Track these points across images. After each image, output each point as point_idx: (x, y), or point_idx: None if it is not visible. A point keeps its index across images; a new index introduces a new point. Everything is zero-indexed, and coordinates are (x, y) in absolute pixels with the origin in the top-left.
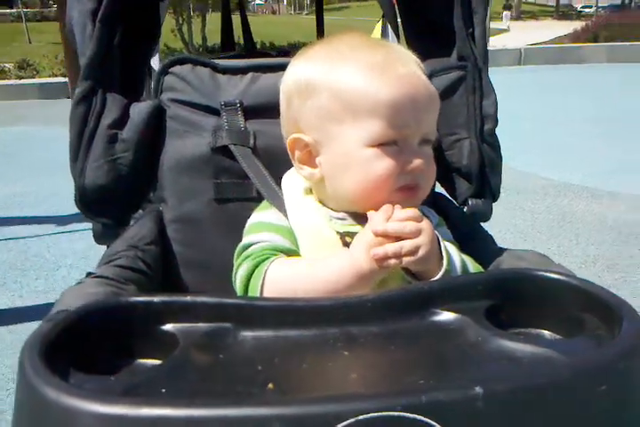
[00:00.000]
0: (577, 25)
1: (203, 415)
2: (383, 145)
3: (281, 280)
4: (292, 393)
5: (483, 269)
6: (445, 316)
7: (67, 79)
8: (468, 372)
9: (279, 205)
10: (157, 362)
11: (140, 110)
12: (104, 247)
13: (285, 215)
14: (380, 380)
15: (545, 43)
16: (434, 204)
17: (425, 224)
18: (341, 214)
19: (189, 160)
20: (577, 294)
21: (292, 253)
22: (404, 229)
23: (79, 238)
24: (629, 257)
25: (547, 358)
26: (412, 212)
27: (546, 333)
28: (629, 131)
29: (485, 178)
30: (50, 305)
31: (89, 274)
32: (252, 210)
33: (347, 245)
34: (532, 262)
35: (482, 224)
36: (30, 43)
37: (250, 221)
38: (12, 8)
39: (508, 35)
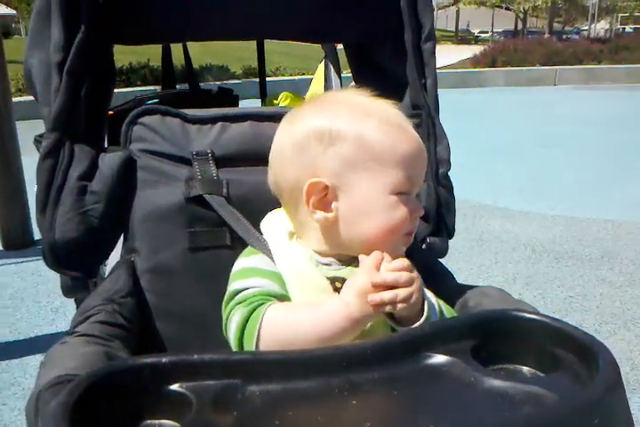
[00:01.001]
0: (475, 50)
1: None
2: (401, 194)
3: (279, 324)
4: None
5: (452, 309)
6: (437, 358)
7: None
8: (470, 413)
9: (264, 250)
10: (173, 424)
11: (109, 162)
12: (22, 285)
13: (272, 260)
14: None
15: (450, 67)
16: None
17: (415, 273)
18: (327, 260)
19: (162, 210)
20: (551, 332)
21: (283, 298)
22: (400, 279)
23: None
24: (545, 274)
25: (536, 396)
26: (405, 262)
27: (525, 369)
28: (531, 152)
29: (442, 218)
30: None
31: (70, 332)
32: (227, 258)
33: (337, 290)
34: (495, 298)
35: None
36: None
37: (235, 268)
38: None
39: None
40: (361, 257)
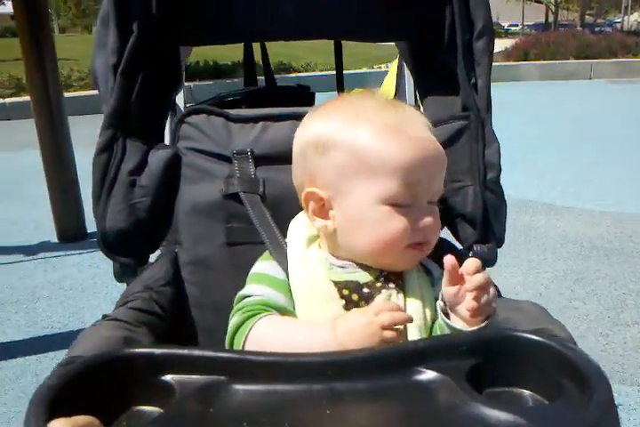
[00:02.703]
0: (506, 43)
1: None
2: (397, 205)
3: (267, 337)
4: None
5: None
6: (428, 375)
7: (4, 100)
8: None
9: (280, 255)
10: (154, 411)
11: (157, 158)
12: (80, 278)
13: (284, 267)
14: None
15: None
16: (437, 249)
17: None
18: (343, 262)
19: (202, 206)
20: (556, 357)
21: (283, 310)
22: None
23: (52, 269)
24: (596, 271)
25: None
26: (405, 315)
27: (526, 393)
28: (571, 147)
29: (489, 224)
30: (35, 339)
31: (104, 316)
32: (261, 254)
33: (343, 297)
34: (527, 315)
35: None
36: None
37: (252, 270)
38: None
39: None
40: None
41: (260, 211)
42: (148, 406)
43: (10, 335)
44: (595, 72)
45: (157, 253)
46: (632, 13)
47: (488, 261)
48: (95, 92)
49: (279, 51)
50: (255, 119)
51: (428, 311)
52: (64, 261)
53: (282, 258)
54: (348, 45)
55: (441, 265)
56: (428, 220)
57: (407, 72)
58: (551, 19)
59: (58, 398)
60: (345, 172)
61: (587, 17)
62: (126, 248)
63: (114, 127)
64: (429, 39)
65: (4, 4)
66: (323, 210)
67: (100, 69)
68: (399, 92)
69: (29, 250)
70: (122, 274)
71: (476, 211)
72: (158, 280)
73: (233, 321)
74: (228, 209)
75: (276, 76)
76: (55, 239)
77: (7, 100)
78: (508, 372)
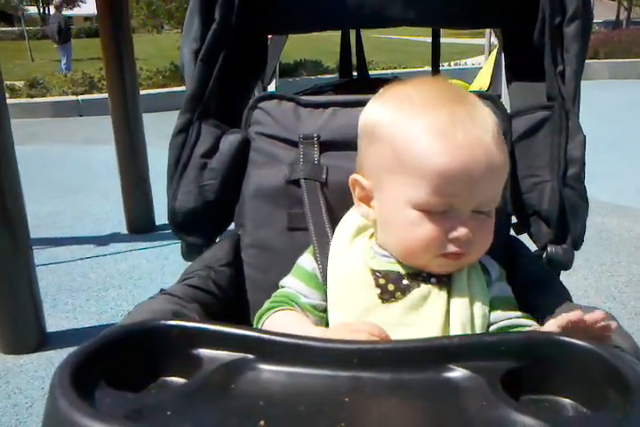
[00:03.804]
0: None
1: None
2: (428, 211)
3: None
4: None
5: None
6: (460, 374)
7: (77, 97)
8: None
9: (321, 244)
10: (181, 382)
11: (228, 142)
12: (149, 268)
13: (323, 257)
14: None
15: None
16: (506, 248)
17: None
18: (388, 252)
19: (266, 190)
20: (603, 366)
21: (303, 306)
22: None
23: (122, 259)
24: None
25: None
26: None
27: (567, 402)
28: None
29: (566, 224)
30: (105, 326)
31: (161, 290)
32: None
33: (379, 286)
34: None
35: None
36: (33, 61)
37: (297, 261)
38: (12, 26)
39: None
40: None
41: (316, 198)
42: (176, 377)
43: (81, 322)
44: None
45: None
46: None
47: (563, 263)
48: (163, 90)
49: (334, 49)
50: (325, 105)
51: (477, 311)
52: (133, 252)
53: (322, 248)
54: (397, 43)
55: (503, 264)
56: (463, 231)
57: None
58: (622, 16)
59: (85, 364)
60: (384, 166)
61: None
62: (194, 228)
63: (191, 111)
64: (521, 25)
65: (79, 6)
66: (367, 198)
67: (186, 56)
68: (494, 84)
69: (101, 241)
70: (188, 253)
71: (553, 208)
72: (219, 260)
73: (262, 308)
74: (291, 194)
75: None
76: (125, 231)
77: (80, 97)
78: (549, 378)
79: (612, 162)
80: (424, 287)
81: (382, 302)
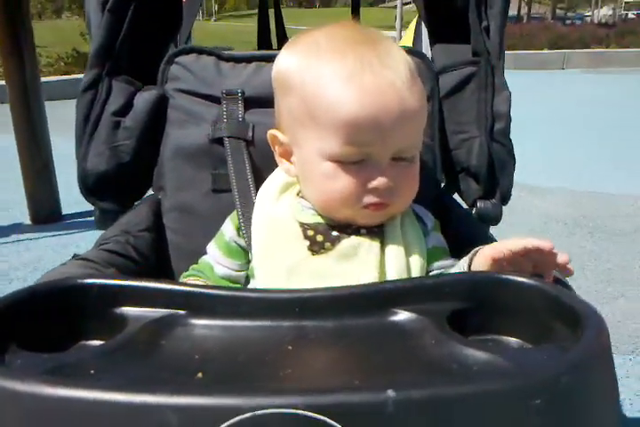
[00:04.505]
0: None
1: (98, 399)
2: (342, 162)
3: None
4: (218, 383)
5: None
6: (405, 316)
7: None
8: (404, 376)
9: (245, 205)
10: (100, 343)
11: (143, 99)
12: (56, 258)
13: (241, 225)
14: (311, 378)
15: None
16: (436, 203)
17: None
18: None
19: (188, 150)
20: (546, 299)
21: (213, 279)
22: None
23: (25, 250)
24: (580, 247)
25: (497, 367)
26: None
27: (513, 340)
28: (545, 131)
29: (495, 179)
30: None
31: (74, 256)
32: None
33: (307, 237)
34: None
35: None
36: None
37: (223, 226)
38: None
39: None
40: None
41: (241, 158)
42: (99, 340)
43: None
44: (568, 62)
45: None
46: (602, 7)
47: (492, 218)
48: (65, 77)
49: (244, 39)
50: (248, 59)
51: (413, 261)
52: (38, 243)
53: (246, 210)
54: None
55: (437, 217)
56: (382, 180)
57: (425, 31)
58: (523, 11)
59: (2, 323)
60: (297, 119)
61: (557, 10)
62: (107, 192)
63: (99, 66)
64: None
65: None
66: (287, 153)
67: (91, 5)
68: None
69: (1, 231)
70: (102, 221)
71: (482, 164)
72: (137, 225)
73: (183, 273)
74: (215, 154)
75: None
76: (28, 221)
77: None
78: (495, 317)
79: (516, 142)
80: (354, 238)
81: (312, 254)
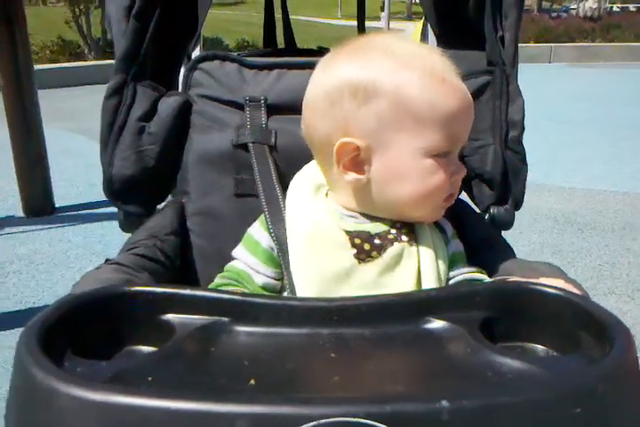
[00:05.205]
0: None
1: (172, 408)
2: (438, 156)
3: None
4: (271, 390)
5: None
6: (439, 325)
7: None
8: (447, 383)
9: (273, 210)
10: (151, 350)
11: (167, 105)
12: (51, 252)
13: (271, 230)
14: (359, 385)
15: None
16: (451, 209)
17: None
18: (352, 213)
19: (212, 155)
20: (575, 311)
21: (253, 288)
22: None
23: (20, 243)
24: (570, 244)
25: (532, 375)
26: None
27: (540, 348)
28: (536, 127)
29: (508, 185)
30: (6, 314)
31: (107, 260)
32: None
33: (355, 246)
34: (543, 273)
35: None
36: None
37: (249, 229)
38: None
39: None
40: None
41: (266, 163)
42: (146, 346)
43: None
44: (555, 56)
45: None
46: (587, 0)
47: (505, 223)
48: (51, 65)
49: (245, 30)
50: (270, 66)
51: (442, 267)
52: (33, 236)
53: (274, 214)
54: (302, 24)
55: (454, 222)
56: (460, 171)
57: (431, 34)
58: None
59: (50, 331)
60: (388, 121)
61: (543, 2)
62: (131, 196)
63: (124, 72)
64: None
65: None
66: (356, 163)
67: (113, 12)
68: None
69: None
70: (127, 224)
71: (495, 171)
72: (163, 229)
73: (214, 282)
74: (238, 159)
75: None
76: (21, 214)
77: None
78: (523, 326)
79: None
80: (397, 246)
81: (359, 263)
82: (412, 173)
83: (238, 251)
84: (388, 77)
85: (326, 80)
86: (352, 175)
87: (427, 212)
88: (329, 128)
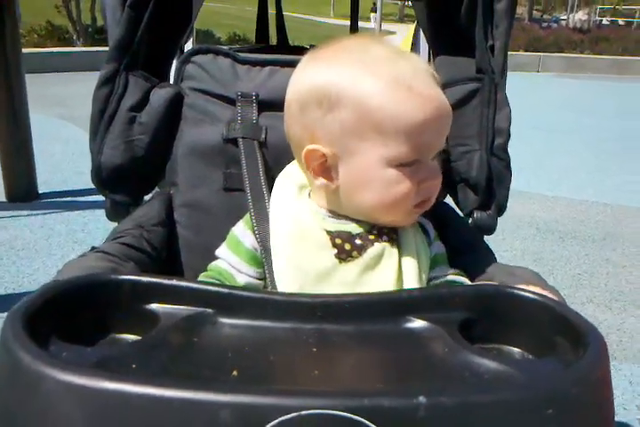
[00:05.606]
0: None
1: (156, 394)
2: (403, 166)
3: None
4: (253, 382)
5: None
6: (420, 324)
7: None
8: (425, 381)
9: (258, 206)
10: (135, 338)
11: (159, 96)
12: (33, 238)
13: (255, 229)
14: (339, 380)
15: None
16: (434, 211)
17: None
18: (334, 214)
19: (202, 149)
20: (550, 315)
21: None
22: None
23: (1, 228)
24: (551, 252)
25: (508, 377)
26: None
27: (516, 350)
28: (522, 135)
29: (492, 191)
30: None
31: (93, 248)
32: None
33: (336, 246)
34: (522, 279)
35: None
36: None
37: (233, 229)
38: None
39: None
40: None
41: (254, 158)
42: (130, 334)
43: None
44: (543, 65)
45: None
46: (577, 11)
47: (487, 228)
48: (38, 49)
49: (237, 23)
50: (263, 63)
51: (423, 268)
52: (15, 222)
53: (259, 211)
54: (294, 21)
55: (437, 225)
56: (432, 179)
57: (423, 39)
58: None
59: (35, 316)
60: (352, 130)
61: (534, 12)
62: (119, 185)
63: (117, 61)
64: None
65: None
66: (324, 169)
67: (109, 2)
68: None
69: None
70: (114, 213)
71: (481, 176)
72: (150, 219)
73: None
74: (228, 154)
75: (232, 47)
76: (3, 198)
77: None
78: (501, 329)
79: None
80: (378, 246)
81: (340, 262)
82: (376, 182)
83: (222, 250)
84: (352, 86)
85: (299, 83)
86: (321, 181)
87: (397, 217)
88: (300, 133)
